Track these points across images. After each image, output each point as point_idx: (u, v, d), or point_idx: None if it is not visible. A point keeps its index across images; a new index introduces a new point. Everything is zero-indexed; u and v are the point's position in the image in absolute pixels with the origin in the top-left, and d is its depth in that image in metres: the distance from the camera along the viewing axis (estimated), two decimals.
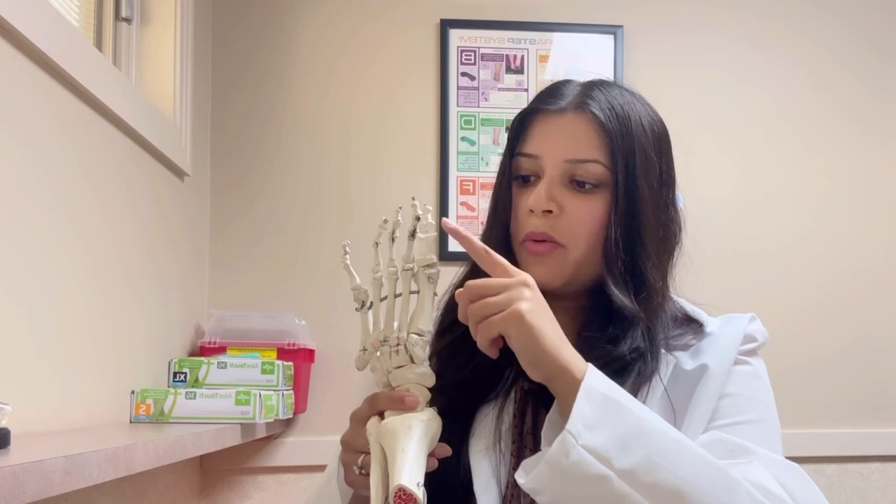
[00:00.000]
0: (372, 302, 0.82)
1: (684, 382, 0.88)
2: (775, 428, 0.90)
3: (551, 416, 0.80)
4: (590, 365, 0.79)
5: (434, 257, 0.78)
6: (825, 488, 2.17)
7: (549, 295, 0.94)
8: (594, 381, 0.76)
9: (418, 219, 0.78)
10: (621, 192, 0.90)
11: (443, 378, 0.83)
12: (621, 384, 0.87)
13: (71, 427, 1.25)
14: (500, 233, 0.94)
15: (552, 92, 0.95)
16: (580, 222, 0.90)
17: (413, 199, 0.80)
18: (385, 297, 0.81)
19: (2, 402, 0.86)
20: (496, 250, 0.93)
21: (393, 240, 0.80)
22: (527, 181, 0.93)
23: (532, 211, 0.90)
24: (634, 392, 0.86)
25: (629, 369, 0.88)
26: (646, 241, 0.91)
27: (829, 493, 2.19)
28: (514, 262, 0.93)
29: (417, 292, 0.79)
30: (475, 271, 0.96)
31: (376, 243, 0.82)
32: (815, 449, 2.18)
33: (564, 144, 0.90)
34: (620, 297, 0.89)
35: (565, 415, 0.76)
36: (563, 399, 0.78)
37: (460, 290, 0.80)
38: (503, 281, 0.78)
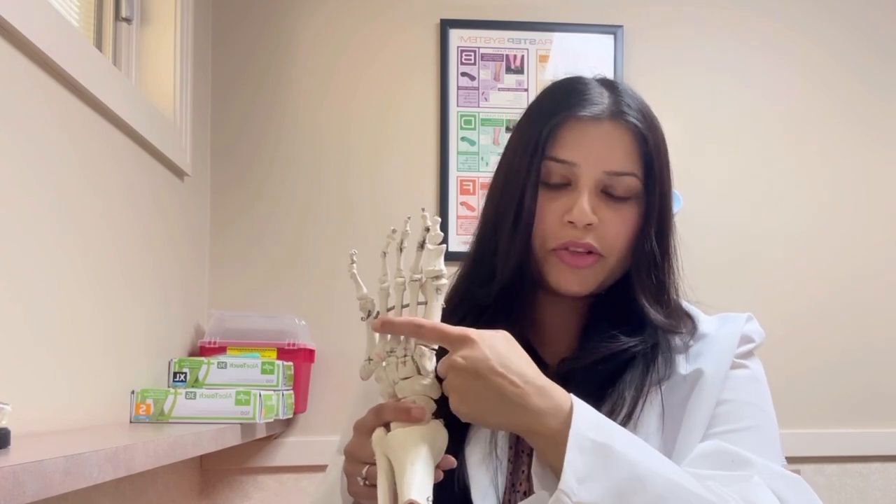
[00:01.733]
0: (378, 312, 0.81)
1: (680, 388, 0.88)
2: (774, 432, 0.89)
3: (536, 463, 0.78)
4: (574, 401, 0.75)
5: (443, 268, 0.77)
6: (825, 488, 2.18)
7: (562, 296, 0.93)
8: (582, 426, 0.73)
9: (428, 230, 0.77)
10: (657, 205, 0.90)
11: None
12: (628, 384, 0.87)
13: (71, 427, 1.25)
14: (525, 239, 0.90)
15: (580, 94, 0.91)
16: (617, 233, 0.89)
17: (423, 209, 0.79)
18: (392, 308, 0.80)
19: (2, 402, 0.86)
20: (519, 258, 0.90)
21: (401, 250, 0.79)
22: (557, 187, 0.90)
23: (571, 222, 0.88)
24: (637, 394, 0.86)
25: (633, 364, 0.88)
26: (668, 250, 0.92)
27: (829, 493, 2.19)
28: (528, 266, 0.91)
29: (425, 303, 0.78)
30: (461, 279, 0.96)
31: (384, 253, 0.81)
32: (815, 449, 2.18)
33: (604, 155, 0.88)
34: (653, 312, 0.90)
35: (552, 465, 0.74)
36: (546, 455, 0.75)
37: None
38: (443, 363, 0.75)
